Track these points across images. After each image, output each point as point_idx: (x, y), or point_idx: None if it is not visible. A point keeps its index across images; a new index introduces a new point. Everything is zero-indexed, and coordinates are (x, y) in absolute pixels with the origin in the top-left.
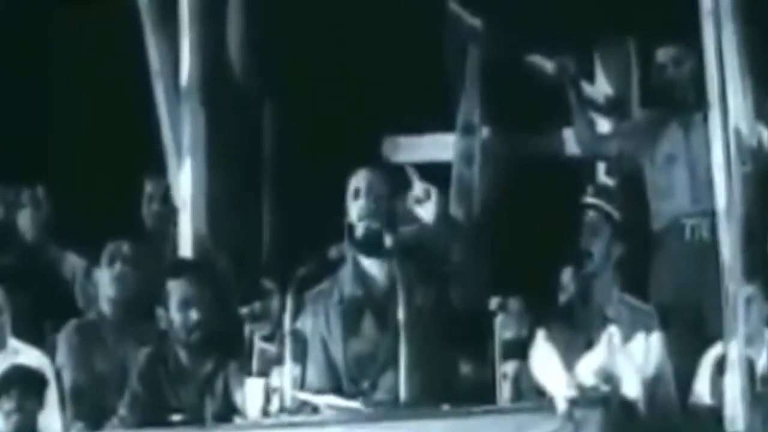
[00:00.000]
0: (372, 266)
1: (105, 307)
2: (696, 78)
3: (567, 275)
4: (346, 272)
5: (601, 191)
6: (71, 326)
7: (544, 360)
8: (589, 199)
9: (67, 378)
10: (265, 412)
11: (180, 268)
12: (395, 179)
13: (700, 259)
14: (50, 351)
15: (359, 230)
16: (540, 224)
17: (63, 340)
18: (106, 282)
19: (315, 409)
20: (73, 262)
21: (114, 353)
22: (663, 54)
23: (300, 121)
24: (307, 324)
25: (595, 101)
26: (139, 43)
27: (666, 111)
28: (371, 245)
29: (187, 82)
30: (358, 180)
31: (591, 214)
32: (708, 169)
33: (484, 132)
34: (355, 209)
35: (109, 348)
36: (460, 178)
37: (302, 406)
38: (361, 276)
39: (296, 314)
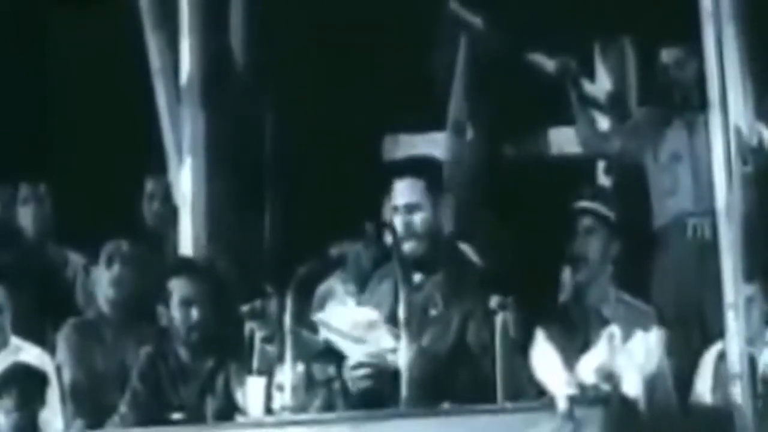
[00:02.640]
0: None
1: (104, 307)
2: (699, 79)
3: (567, 274)
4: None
5: (597, 194)
6: (70, 325)
7: (545, 359)
8: (584, 204)
9: (67, 376)
10: (267, 411)
11: (182, 267)
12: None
13: (702, 258)
14: (51, 349)
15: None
16: (540, 223)
17: (62, 338)
18: (104, 283)
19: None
20: (74, 261)
21: (113, 352)
22: (667, 55)
23: (301, 120)
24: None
25: (596, 99)
26: (140, 42)
27: (668, 109)
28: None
29: (188, 81)
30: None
31: (586, 217)
32: (711, 169)
33: (477, 131)
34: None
35: (108, 346)
36: (450, 177)
37: (303, 404)
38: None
39: (297, 313)
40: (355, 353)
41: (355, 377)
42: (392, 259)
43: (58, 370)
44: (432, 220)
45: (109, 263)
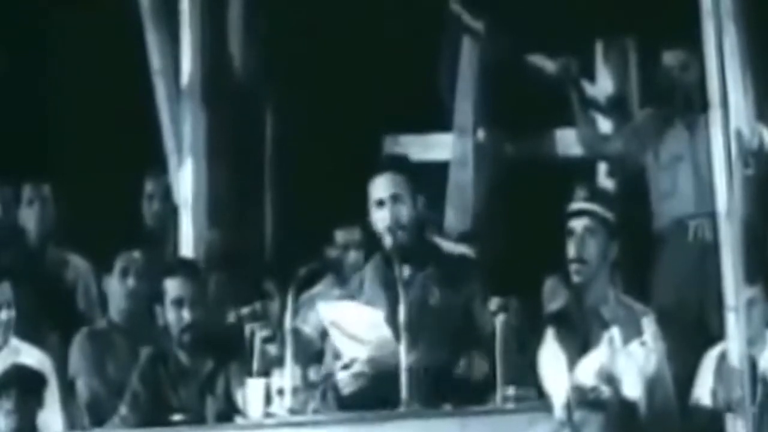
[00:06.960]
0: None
1: (116, 317)
2: (700, 81)
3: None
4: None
5: (596, 195)
6: (83, 335)
7: (551, 362)
8: (583, 205)
9: (82, 386)
10: (267, 413)
11: (176, 267)
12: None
13: (702, 259)
14: (51, 351)
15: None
16: (541, 225)
17: (75, 348)
18: (119, 295)
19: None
20: (75, 263)
21: (126, 361)
22: (669, 57)
23: (301, 119)
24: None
25: (596, 101)
26: (140, 41)
27: (670, 111)
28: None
29: (188, 81)
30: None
31: (585, 218)
32: (711, 170)
33: (481, 134)
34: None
35: (121, 356)
36: (456, 180)
37: (303, 406)
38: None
39: (297, 314)
40: (350, 351)
41: (346, 376)
42: (377, 257)
43: (72, 380)
44: (414, 214)
45: (124, 275)
